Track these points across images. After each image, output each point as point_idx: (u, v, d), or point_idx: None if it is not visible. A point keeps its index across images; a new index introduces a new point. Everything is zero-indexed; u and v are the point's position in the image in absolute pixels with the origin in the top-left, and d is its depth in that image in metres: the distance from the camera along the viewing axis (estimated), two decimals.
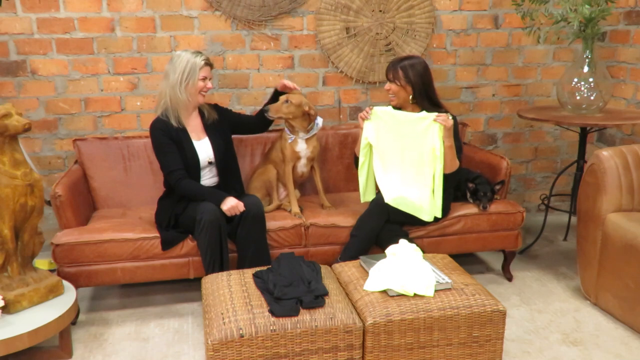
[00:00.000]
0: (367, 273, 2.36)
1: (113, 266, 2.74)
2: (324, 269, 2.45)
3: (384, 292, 2.22)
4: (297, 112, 2.95)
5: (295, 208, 2.99)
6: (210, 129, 2.90)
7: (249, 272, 2.40)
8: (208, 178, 2.89)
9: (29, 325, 2.23)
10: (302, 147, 3.05)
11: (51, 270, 2.96)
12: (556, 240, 3.78)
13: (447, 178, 2.82)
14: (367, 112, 2.82)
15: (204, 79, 2.77)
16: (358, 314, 2.15)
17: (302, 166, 3.10)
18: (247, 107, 3.53)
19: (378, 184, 2.87)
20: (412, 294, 2.18)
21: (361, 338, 2.10)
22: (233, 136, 3.05)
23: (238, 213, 2.69)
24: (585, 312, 2.85)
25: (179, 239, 2.77)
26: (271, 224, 2.86)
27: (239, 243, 2.75)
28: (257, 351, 2.01)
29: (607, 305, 2.78)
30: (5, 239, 2.32)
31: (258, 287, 2.25)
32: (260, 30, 3.43)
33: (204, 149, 2.85)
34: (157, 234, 2.77)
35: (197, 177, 2.83)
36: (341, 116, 3.68)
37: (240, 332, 1.99)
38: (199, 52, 2.78)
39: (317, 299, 2.14)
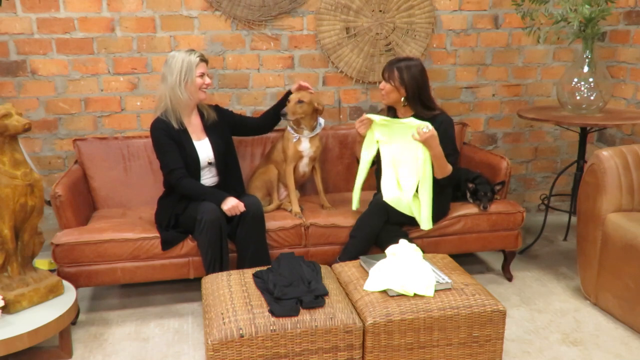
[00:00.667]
0: (367, 273, 2.36)
1: (113, 266, 2.74)
2: (324, 269, 2.45)
3: (384, 292, 2.22)
4: (309, 110, 2.99)
5: (296, 208, 2.99)
6: (210, 129, 2.90)
7: (249, 272, 2.40)
8: (208, 178, 2.89)
9: (29, 325, 2.23)
10: (306, 147, 3.05)
11: (51, 270, 2.95)
12: (556, 240, 3.78)
13: (443, 181, 2.82)
14: (363, 123, 2.80)
15: (202, 75, 2.77)
16: (358, 314, 2.15)
17: (304, 166, 3.10)
18: (247, 107, 3.53)
19: (381, 182, 2.87)
20: (412, 294, 2.18)
21: (361, 338, 2.10)
22: (234, 137, 3.05)
23: (238, 213, 2.69)
24: (585, 312, 2.85)
25: (179, 239, 2.77)
26: (271, 224, 2.86)
27: (238, 243, 2.75)
28: (257, 351, 2.01)
29: (607, 305, 2.78)
30: (5, 239, 2.32)
31: (258, 287, 2.25)
32: (260, 30, 3.43)
33: (204, 149, 2.85)
34: (157, 234, 2.77)
35: (197, 177, 2.83)
36: (341, 116, 3.68)
37: (240, 332, 1.99)
38: (192, 50, 2.79)
39: (317, 299, 2.14)
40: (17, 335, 2.18)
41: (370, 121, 2.80)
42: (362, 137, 2.86)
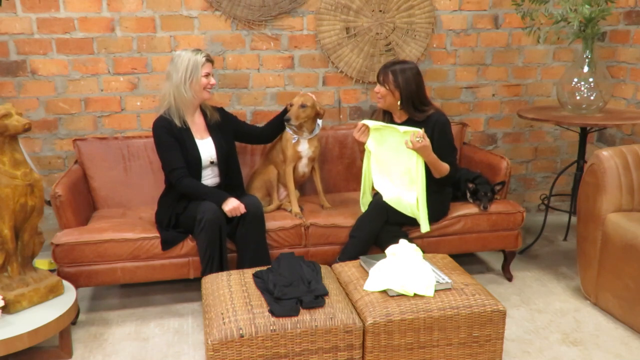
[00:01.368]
0: (367, 273, 2.36)
1: (113, 266, 2.74)
2: (324, 269, 2.45)
3: (384, 292, 2.22)
4: (312, 114, 3.00)
5: (296, 208, 2.99)
6: (213, 129, 2.90)
7: (249, 272, 2.40)
8: (209, 178, 2.89)
9: (29, 325, 2.23)
10: (304, 147, 3.05)
11: (51, 270, 2.96)
12: (556, 240, 3.78)
13: (442, 180, 2.83)
14: (361, 131, 2.80)
15: (207, 75, 2.78)
16: (358, 314, 2.15)
17: (303, 166, 3.10)
18: (247, 107, 3.53)
19: (375, 186, 2.88)
20: (412, 294, 2.18)
21: (361, 338, 2.10)
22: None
23: (239, 214, 2.69)
24: (585, 312, 2.85)
25: (179, 239, 2.77)
26: (271, 224, 2.86)
27: (238, 243, 2.75)
28: (257, 351, 2.01)
29: (607, 305, 2.78)
30: (5, 239, 2.32)
31: (258, 287, 2.25)
32: (260, 30, 3.43)
33: (206, 148, 2.85)
34: (157, 234, 2.77)
35: (198, 177, 2.83)
36: (341, 116, 3.68)
37: (240, 332, 1.99)
38: (198, 50, 2.79)
39: (317, 299, 2.14)
40: (17, 335, 2.18)
41: (367, 127, 2.81)
42: (362, 146, 2.86)
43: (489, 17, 3.69)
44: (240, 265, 2.72)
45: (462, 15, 3.65)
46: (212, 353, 1.98)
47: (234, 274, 2.40)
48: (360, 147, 2.90)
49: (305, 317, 2.06)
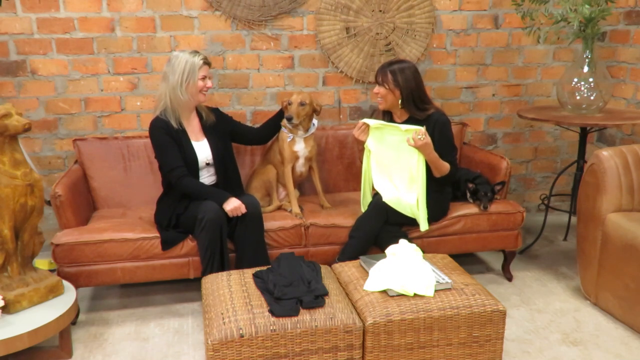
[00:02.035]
0: (367, 273, 2.36)
1: (113, 266, 2.74)
2: (324, 269, 2.45)
3: (384, 292, 2.22)
4: (310, 111, 3.01)
5: (296, 208, 2.99)
6: (209, 131, 2.90)
7: (249, 272, 2.40)
8: (206, 177, 2.89)
9: (29, 325, 2.23)
10: (301, 147, 3.05)
11: (51, 270, 2.96)
12: (556, 240, 3.78)
13: (440, 181, 2.83)
14: (361, 130, 2.80)
15: (204, 78, 2.77)
16: (358, 314, 2.15)
17: (300, 166, 3.10)
18: (247, 107, 3.53)
19: (375, 186, 2.88)
20: (412, 294, 2.18)
21: (361, 338, 2.10)
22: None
23: (240, 214, 2.69)
24: (585, 312, 2.85)
25: (179, 239, 2.77)
26: (271, 224, 2.86)
27: (236, 243, 2.75)
28: (257, 351, 2.01)
29: (607, 305, 2.78)
30: (5, 239, 2.32)
31: (258, 287, 2.25)
32: (260, 30, 3.43)
33: (202, 150, 2.85)
34: (157, 234, 2.77)
35: (196, 178, 2.82)
36: (341, 116, 3.68)
37: (240, 332, 1.99)
38: (196, 52, 2.79)
39: (317, 299, 2.14)
40: (17, 335, 2.18)
41: (368, 126, 2.81)
42: (362, 145, 2.86)
43: (489, 17, 3.69)
44: (239, 265, 2.72)
45: (462, 15, 3.65)
46: (212, 353, 1.98)
47: (234, 274, 2.40)
48: (360, 146, 2.90)
49: (305, 317, 2.06)
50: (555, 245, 3.69)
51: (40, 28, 3.21)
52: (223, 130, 2.96)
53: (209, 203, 2.67)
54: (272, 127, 3.10)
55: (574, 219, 3.29)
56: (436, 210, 2.91)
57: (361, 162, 2.94)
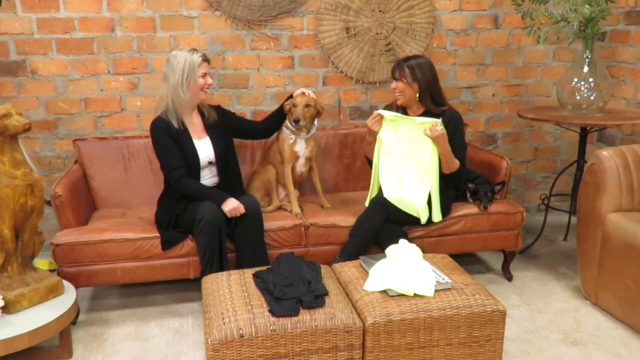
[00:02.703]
0: (367, 273, 2.36)
1: (113, 266, 2.74)
2: (324, 269, 2.45)
3: (384, 292, 2.22)
4: (314, 113, 3.01)
5: (296, 208, 2.99)
6: (211, 129, 2.90)
7: (249, 272, 2.40)
8: (208, 178, 2.89)
9: (29, 325, 2.23)
10: (301, 147, 3.05)
11: (51, 270, 2.96)
12: (556, 240, 3.78)
13: (448, 178, 2.85)
14: (375, 120, 2.82)
15: (204, 75, 2.77)
16: (358, 314, 2.15)
17: (300, 166, 3.10)
18: (247, 107, 3.53)
19: (380, 180, 2.88)
20: (412, 294, 2.18)
21: (361, 338, 2.10)
22: (233, 139, 3.05)
23: (239, 214, 2.69)
24: (585, 312, 2.85)
25: (179, 239, 2.77)
26: (271, 224, 2.86)
27: (236, 243, 2.75)
28: (257, 351, 2.01)
29: (607, 305, 2.78)
30: (5, 239, 2.32)
31: (258, 287, 2.25)
32: (260, 30, 3.43)
33: (204, 148, 2.85)
34: (157, 234, 2.77)
35: (197, 177, 2.83)
36: (341, 116, 3.68)
37: (240, 332, 1.99)
38: (194, 50, 2.78)
39: (317, 299, 2.14)
40: (17, 335, 2.18)
41: (382, 117, 2.82)
42: (374, 136, 2.87)
43: (489, 17, 3.69)
44: (239, 265, 2.72)
45: (462, 15, 3.65)
46: (212, 353, 1.98)
47: (234, 274, 2.40)
48: (371, 137, 2.91)
49: (305, 317, 2.06)
50: (555, 245, 3.69)
51: (40, 28, 3.21)
52: (225, 127, 2.96)
53: (208, 204, 2.67)
54: (274, 121, 3.07)
55: (574, 219, 3.29)
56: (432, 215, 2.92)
57: (366, 156, 2.98)
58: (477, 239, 3.05)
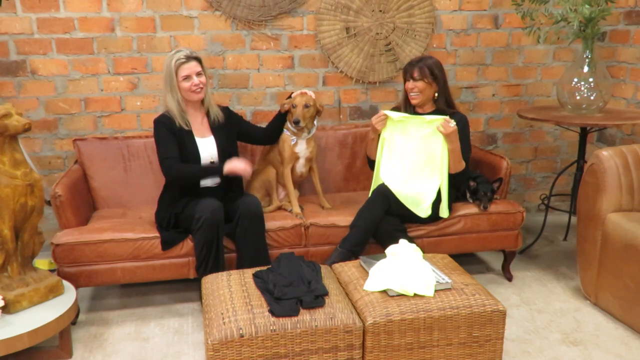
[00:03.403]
0: (367, 273, 2.36)
1: (113, 266, 2.74)
2: (324, 269, 2.45)
3: (384, 292, 2.22)
4: (314, 113, 3.02)
5: (296, 208, 2.99)
6: (216, 129, 2.90)
7: (249, 272, 2.40)
8: (210, 180, 2.88)
9: (29, 325, 2.23)
10: (302, 148, 3.05)
11: (51, 270, 2.96)
12: (556, 240, 3.78)
13: (451, 178, 2.86)
14: (379, 119, 2.83)
15: (187, 77, 2.73)
16: (358, 314, 2.15)
17: (300, 167, 3.10)
18: (247, 107, 3.53)
19: (381, 176, 2.89)
20: (412, 294, 2.18)
21: (361, 338, 2.10)
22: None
23: (241, 172, 2.72)
24: (585, 312, 2.85)
25: (179, 239, 2.77)
26: (271, 224, 2.86)
27: (238, 243, 2.75)
28: (257, 351, 2.01)
29: (607, 305, 2.78)
30: (5, 239, 2.32)
31: (258, 287, 2.25)
32: (260, 30, 3.43)
33: (207, 147, 2.85)
34: (157, 234, 2.77)
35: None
36: (341, 116, 3.68)
37: (240, 332, 1.99)
38: (178, 51, 2.75)
39: (317, 299, 2.14)
40: (17, 335, 2.18)
41: (387, 118, 2.82)
42: (377, 135, 2.88)
43: (489, 17, 3.69)
44: (240, 265, 2.72)
45: (462, 15, 3.65)
46: (212, 353, 1.98)
47: (234, 274, 2.40)
48: (372, 135, 2.92)
49: (305, 317, 2.06)
50: (555, 245, 3.69)
51: (40, 28, 3.21)
52: (231, 129, 2.96)
53: (207, 202, 2.67)
54: (277, 127, 3.08)
55: (574, 219, 3.29)
56: (438, 211, 2.92)
57: (367, 155, 3.01)
58: (477, 239, 3.05)
